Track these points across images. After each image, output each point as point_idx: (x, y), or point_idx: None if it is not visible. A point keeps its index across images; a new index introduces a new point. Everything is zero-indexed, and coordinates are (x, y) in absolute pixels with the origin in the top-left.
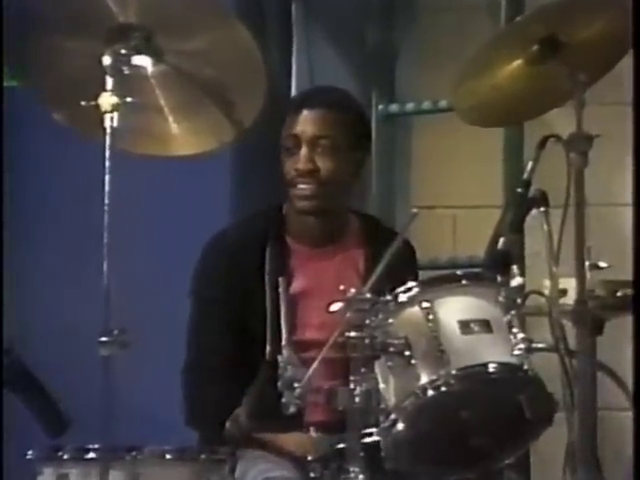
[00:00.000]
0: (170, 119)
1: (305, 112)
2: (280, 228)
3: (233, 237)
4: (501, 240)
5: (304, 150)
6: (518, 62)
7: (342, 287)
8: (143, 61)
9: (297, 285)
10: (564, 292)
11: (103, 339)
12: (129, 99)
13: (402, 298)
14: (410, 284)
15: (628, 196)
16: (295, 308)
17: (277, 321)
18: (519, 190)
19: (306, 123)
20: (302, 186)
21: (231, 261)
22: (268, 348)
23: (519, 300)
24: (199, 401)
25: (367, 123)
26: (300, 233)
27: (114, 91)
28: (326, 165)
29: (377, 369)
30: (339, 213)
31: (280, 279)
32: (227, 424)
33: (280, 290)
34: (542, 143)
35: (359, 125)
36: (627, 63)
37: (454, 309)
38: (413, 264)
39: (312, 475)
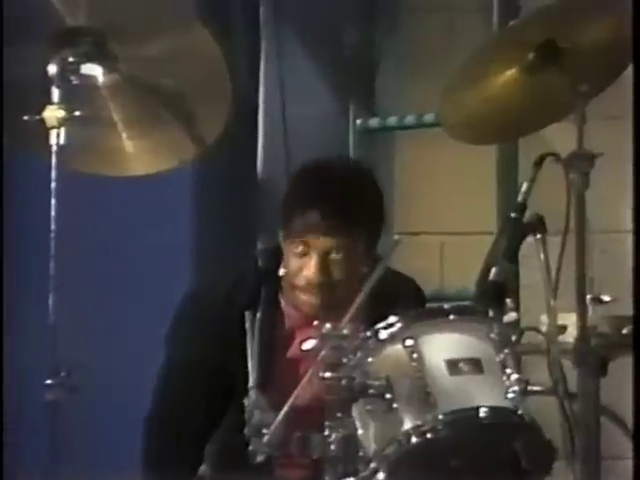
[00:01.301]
0: (124, 135)
1: (316, 216)
2: (274, 289)
3: (218, 294)
4: (493, 270)
5: (316, 261)
6: (512, 71)
7: (316, 322)
8: (94, 70)
9: (294, 350)
10: (563, 329)
11: (49, 382)
12: (78, 112)
13: (383, 335)
14: (392, 319)
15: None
16: (294, 374)
17: (263, 375)
18: (513, 215)
19: (317, 230)
20: (308, 296)
21: (213, 320)
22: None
23: (513, 337)
24: (160, 455)
25: (382, 197)
26: (295, 302)
27: (61, 104)
28: (341, 275)
29: (355, 413)
30: (344, 298)
31: (246, 313)
32: None
33: (247, 327)
34: (539, 162)
35: (378, 210)
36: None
37: (441, 347)
38: (417, 299)
39: None
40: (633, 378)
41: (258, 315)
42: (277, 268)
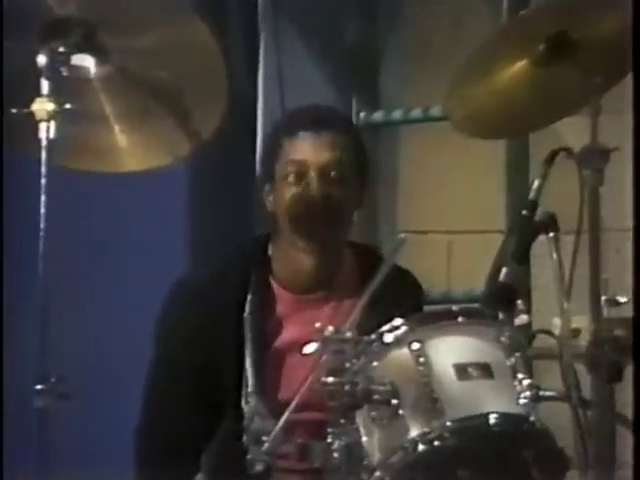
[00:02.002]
0: (116, 129)
1: (311, 136)
2: (265, 271)
3: (208, 285)
4: (503, 271)
5: (315, 178)
6: (522, 63)
7: (318, 324)
8: (85, 61)
9: (283, 338)
10: (577, 332)
11: (38, 387)
12: (68, 106)
13: (388, 338)
14: (397, 321)
15: None
16: (282, 364)
17: (260, 375)
18: (524, 213)
19: (315, 149)
20: (307, 225)
21: (204, 313)
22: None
23: (525, 341)
24: (153, 466)
25: (364, 144)
26: (288, 277)
27: (51, 96)
28: (338, 196)
29: (359, 420)
30: (338, 252)
31: (245, 316)
32: None
33: (246, 330)
34: (551, 158)
35: (361, 147)
36: None
37: (449, 351)
38: (419, 304)
39: None
40: (633, 378)
41: (249, 298)
42: (266, 252)
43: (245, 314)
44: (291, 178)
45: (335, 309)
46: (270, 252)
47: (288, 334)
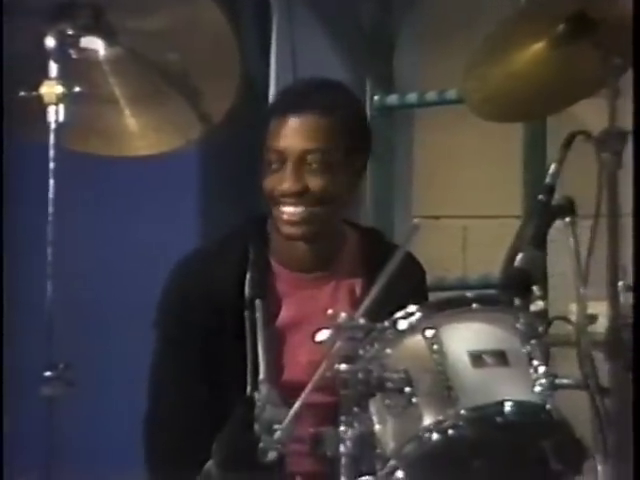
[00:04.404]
0: (127, 112)
1: (291, 120)
2: (263, 249)
3: (205, 262)
4: (519, 256)
5: (290, 168)
6: (540, 44)
7: (330, 311)
8: (94, 43)
9: (284, 316)
10: (594, 318)
11: (47, 374)
12: (77, 89)
13: (402, 325)
14: (412, 308)
15: None
16: (281, 344)
17: (269, 361)
18: (541, 197)
19: (292, 135)
20: (288, 209)
21: (203, 290)
22: (249, 387)
23: (541, 328)
24: (162, 456)
25: (366, 121)
26: (287, 256)
27: (59, 79)
28: (318, 184)
29: (372, 409)
30: (333, 234)
31: (257, 301)
32: None
33: (257, 315)
34: (568, 141)
35: (358, 126)
36: None
37: (463, 338)
38: (422, 286)
39: None
40: (633, 378)
41: (248, 276)
42: (265, 230)
43: (246, 293)
44: (269, 165)
45: (335, 290)
46: (268, 228)
47: (288, 313)
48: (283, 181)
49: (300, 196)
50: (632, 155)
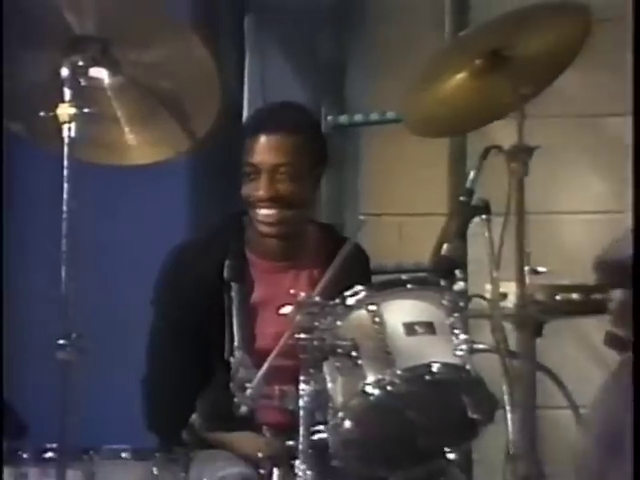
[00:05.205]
0: (126, 129)
1: (263, 138)
2: (239, 242)
3: (193, 251)
4: (445, 246)
5: (264, 179)
6: (462, 75)
7: (293, 291)
8: (100, 73)
9: (255, 296)
10: (505, 296)
11: (61, 342)
12: (86, 110)
13: (350, 301)
14: (357, 288)
15: (566, 204)
16: (254, 318)
17: (243, 332)
18: (462, 198)
19: (265, 152)
20: (265, 212)
21: (191, 274)
22: (226, 353)
23: (462, 303)
24: (157, 411)
25: (323, 136)
26: (259, 248)
27: (72, 102)
28: (288, 190)
29: (326, 370)
30: (299, 231)
31: (233, 284)
32: (183, 433)
33: (234, 295)
34: (485, 153)
35: (317, 142)
36: (568, 77)
37: (399, 312)
38: (367, 270)
39: (262, 472)
40: (633, 378)
41: (226, 263)
42: (242, 226)
43: (225, 277)
44: (247, 175)
45: (297, 274)
46: (244, 224)
47: (259, 293)
48: (259, 189)
49: (273, 201)
50: (632, 154)
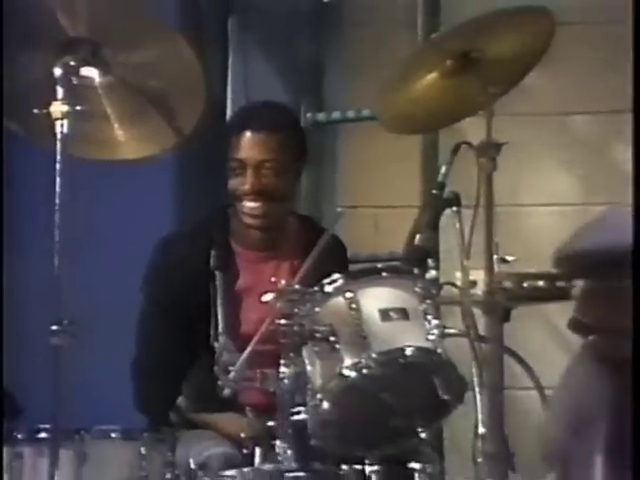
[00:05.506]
0: (116, 126)
1: (248, 135)
2: (224, 233)
3: (181, 241)
4: (418, 237)
5: (250, 173)
6: (434, 76)
7: (274, 280)
8: (91, 72)
9: (239, 284)
10: (474, 283)
11: (54, 328)
12: (78, 107)
13: (328, 289)
14: (335, 276)
15: (532, 197)
16: (237, 305)
17: (227, 317)
18: (434, 191)
19: (251, 148)
20: (250, 204)
21: (178, 263)
22: (211, 338)
23: (434, 290)
24: (145, 392)
25: (304, 134)
26: (243, 239)
27: (64, 100)
28: (272, 184)
29: (305, 354)
30: (281, 223)
31: (218, 273)
32: (170, 414)
33: (218, 284)
34: (455, 149)
35: (299, 139)
36: (534, 77)
37: (375, 299)
38: (344, 259)
39: (245, 451)
40: (633, 378)
41: (212, 253)
42: (227, 218)
43: (210, 266)
44: (234, 170)
45: (278, 263)
46: (229, 216)
47: (243, 282)
48: (245, 183)
49: (258, 194)
50: (632, 153)
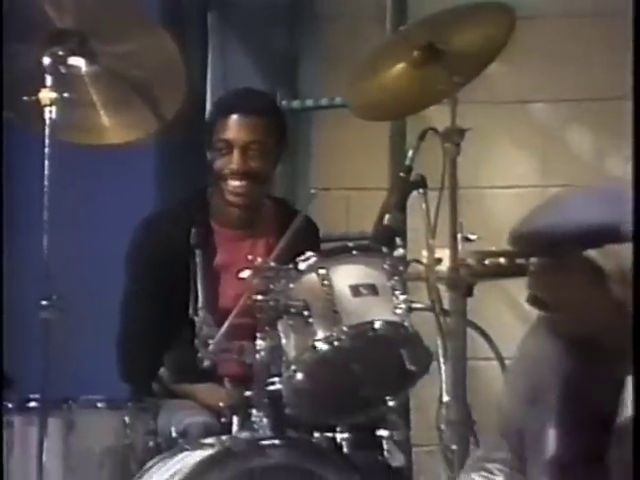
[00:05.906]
0: (102, 113)
1: (236, 117)
2: (204, 212)
3: (162, 220)
4: (387, 217)
5: (237, 154)
6: (402, 65)
7: (250, 257)
8: (78, 62)
9: (218, 260)
10: (439, 261)
11: (43, 302)
12: (66, 95)
13: (302, 266)
14: (308, 254)
15: (493, 180)
16: (216, 281)
17: (206, 292)
18: (402, 174)
19: (238, 130)
20: (235, 183)
21: (160, 241)
22: (191, 312)
23: (401, 267)
24: (129, 363)
25: (285, 120)
26: (223, 218)
27: (53, 87)
28: (257, 165)
29: (280, 327)
30: (259, 204)
31: (197, 250)
32: (153, 385)
33: (198, 261)
34: (422, 135)
35: (281, 124)
36: (495, 67)
37: (346, 275)
38: (316, 239)
39: (223, 420)
40: (633, 378)
41: (193, 231)
42: (205, 198)
43: (190, 244)
44: (220, 150)
45: (255, 242)
46: (209, 198)
47: (221, 259)
48: (232, 162)
49: (244, 174)
50: (632, 151)
